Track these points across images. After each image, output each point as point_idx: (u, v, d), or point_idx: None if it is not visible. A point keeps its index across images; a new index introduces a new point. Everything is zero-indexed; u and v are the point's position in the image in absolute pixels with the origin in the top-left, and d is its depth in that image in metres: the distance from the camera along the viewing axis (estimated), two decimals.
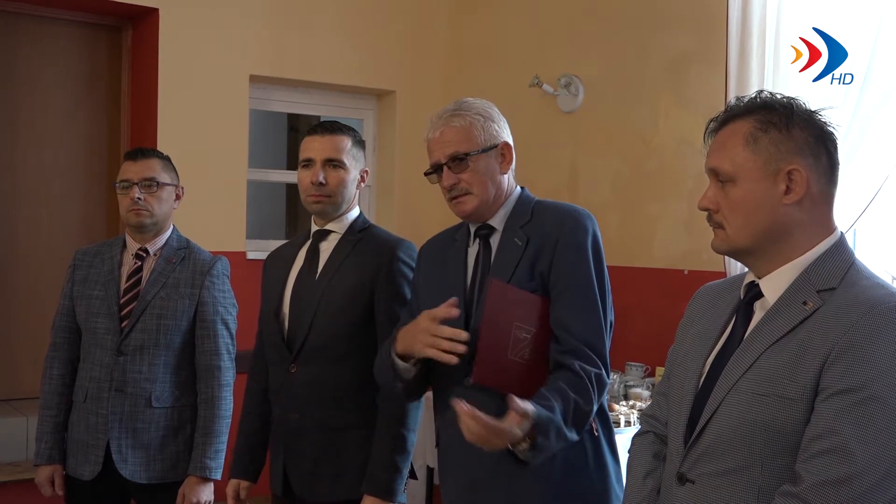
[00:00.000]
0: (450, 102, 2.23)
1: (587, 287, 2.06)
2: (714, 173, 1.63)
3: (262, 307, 2.63)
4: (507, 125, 2.23)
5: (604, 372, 2.03)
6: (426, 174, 2.21)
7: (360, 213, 2.61)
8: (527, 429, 1.85)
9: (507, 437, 1.83)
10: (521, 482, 2.05)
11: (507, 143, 2.18)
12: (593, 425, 2.10)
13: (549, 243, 2.08)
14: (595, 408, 2.02)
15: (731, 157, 1.59)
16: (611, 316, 2.15)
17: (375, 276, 2.45)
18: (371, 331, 2.46)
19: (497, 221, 2.17)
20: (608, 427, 2.18)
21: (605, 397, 2.17)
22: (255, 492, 2.68)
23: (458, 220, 2.27)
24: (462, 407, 1.82)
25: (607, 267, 2.15)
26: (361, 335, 2.46)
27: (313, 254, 2.56)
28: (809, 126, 1.58)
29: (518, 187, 2.24)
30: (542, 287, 2.07)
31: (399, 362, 2.12)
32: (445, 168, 2.15)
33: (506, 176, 2.19)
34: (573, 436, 1.97)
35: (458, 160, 2.13)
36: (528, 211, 2.16)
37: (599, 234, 2.13)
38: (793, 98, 1.61)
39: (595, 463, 2.11)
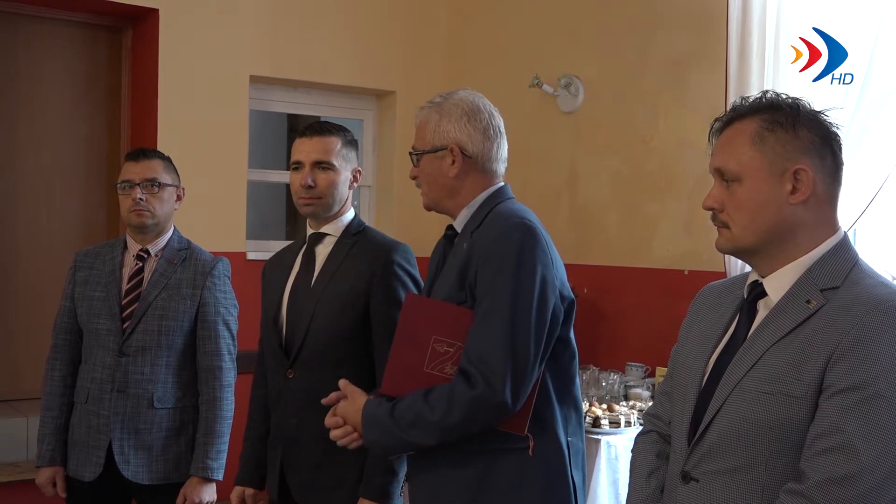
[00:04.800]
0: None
1: (498, 301, 1.92)
2: (719, 173, 1.63)
3: (263, 314, 2.62)
4: (473, 125, 2.09)
5: (485, 392, 1.89)
6: None
7: (356, 214, 2.61)
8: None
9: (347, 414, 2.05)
10: (439, 486, 2.06)
11: (454, 147, 2.08)
12: (530, 444, 1.99)
13: (476, 253, 1.99)
14: (452, 422, 1.91)
15: (738, 157, 1.60)
16: (562, 330, 2.04)
17: (371, 280, 2.44)
18: (368, 336, 2.45)
19: (459, 223, 2.13)
20: (555, 449, 2.04)
21: (575, 420, 2.09)
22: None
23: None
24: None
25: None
26: (358, 340, 2.45)
27: (309, 258, 2.55)
28: (815, 126, 1.59)
29: (496, 186, 2.13)
30: (472, 298, 1.98)
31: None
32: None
33: (460, 178, 2.09)
34: (418, 440, 1.95)
35: (414, 155, 2.15)
36: (483, 215, 2.07)
37: (536, 244, 1.98)
38: (798, 98, 1.62)
39: (520, 481, 2.01)
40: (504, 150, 2.17)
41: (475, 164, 2.11)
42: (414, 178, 2.18)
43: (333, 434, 2.08)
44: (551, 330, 2.00)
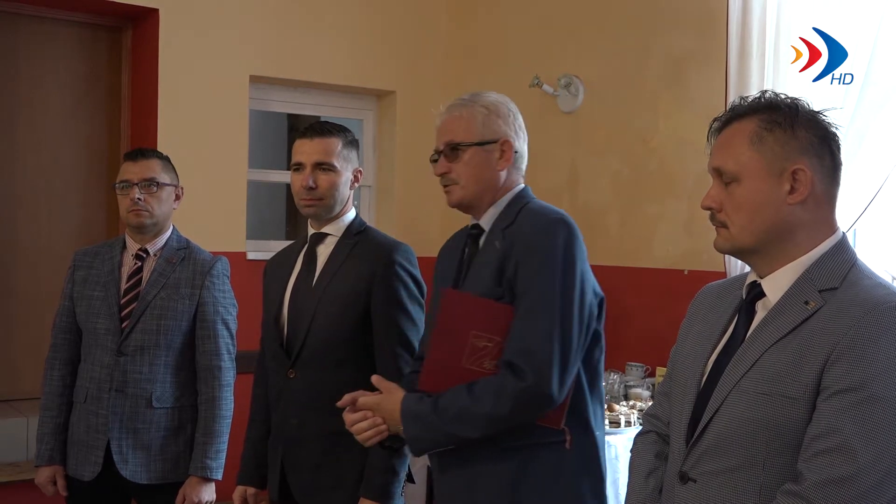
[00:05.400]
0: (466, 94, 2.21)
1: (543, 294, 1.96)
2: (718, 172, 1.63)
3: (264, 314, 2.62)
4: (517, 124, 2.18)
5: (535, 384, 1.92)
6: (431, 160, 2.20)
7: (357, 214, 2.61)
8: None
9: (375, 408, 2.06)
10: (475, 480, 2.06)
11: (507, 141, 2.14)
12: (567, 437, 2.03)
13: (515, 249, 2.02)
14: (501, 414, 1.93)
15: (736, 157, 1.60)
16: (596, 325, 2.08)
17: (372, 280, 2.44)
18: (369, 336, 2.45)
19: (486, 221, 2.15)
20: (589, 443, 2.09)
21: (601, 414, 2.13)
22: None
23: (457, 221, 2.27)
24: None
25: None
26: (359, 340, 2.45)
27: (310, 258, 2.55)
28: (814, 126, 1.59)
29: (520, 186, 2.19)
30: (510, 293, 2.00)
31: None
32: (441, 156, 2.16)
33: (502, 173, 2.15)
34: (462, 433, 1.96)
35: (453, 149, 2.13)
36: (514, 213, 2.11)
37: (576, 240, 2.03)
38: (797, 98, 1.62)
39: (557, 475, 2.04)
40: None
41: (516, 162, 2.17)
42: (442, 174, 2.16)
43: (359, 427, 2.08)
44: (588, 324, 2.05)
